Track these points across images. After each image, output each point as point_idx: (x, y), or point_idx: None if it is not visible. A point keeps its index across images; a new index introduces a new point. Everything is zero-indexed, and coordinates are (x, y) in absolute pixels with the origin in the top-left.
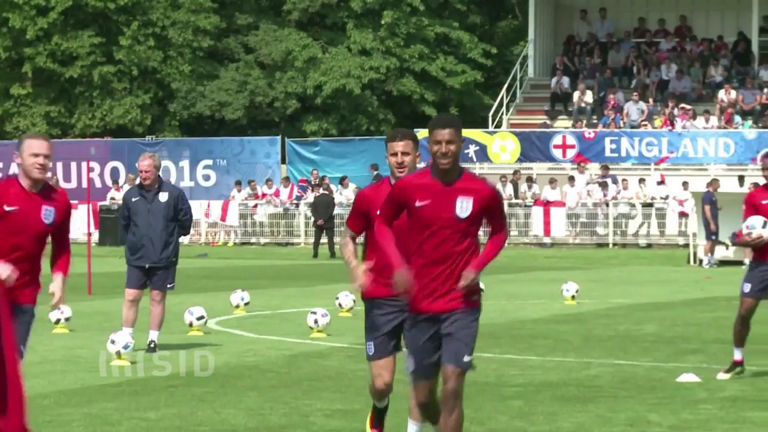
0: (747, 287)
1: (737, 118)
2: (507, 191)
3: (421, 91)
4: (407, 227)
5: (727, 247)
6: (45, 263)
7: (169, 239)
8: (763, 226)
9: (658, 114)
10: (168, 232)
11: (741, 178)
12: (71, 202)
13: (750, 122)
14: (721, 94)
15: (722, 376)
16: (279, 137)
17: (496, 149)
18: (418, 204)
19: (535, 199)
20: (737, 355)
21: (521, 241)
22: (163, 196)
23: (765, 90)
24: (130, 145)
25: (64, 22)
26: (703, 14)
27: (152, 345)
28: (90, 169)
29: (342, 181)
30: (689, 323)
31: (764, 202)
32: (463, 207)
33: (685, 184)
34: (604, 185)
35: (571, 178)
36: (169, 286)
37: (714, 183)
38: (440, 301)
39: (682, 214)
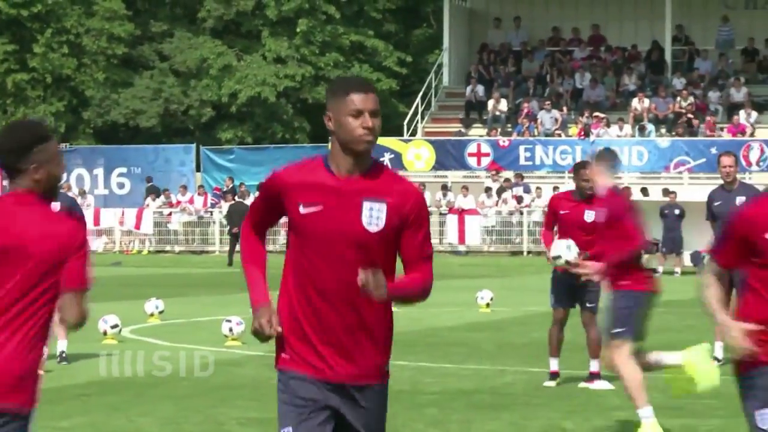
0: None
1: (650, 126)
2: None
3: None
4: (290, 241)
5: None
6: None
7: None
8: (568, 249)
9: (572, 122)
10: None
11: (644, 190)
12: None
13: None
14: (635, 102)
15: (548, 383)
16: (194, 145)
17: (411, 157)
18: (303, 210)
19: (450, 207)
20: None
21: (436, 249)
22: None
23: (678, 98)
24: None
25: None
26: (617, 23)
27: (63, 355)
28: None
29: (259, 188)
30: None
31: (563, 212)
32: (373, 215)
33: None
34: (519, 199)
35: (488, 189)
36: None
37: (626, 191)
38: (344, 365)
39: None
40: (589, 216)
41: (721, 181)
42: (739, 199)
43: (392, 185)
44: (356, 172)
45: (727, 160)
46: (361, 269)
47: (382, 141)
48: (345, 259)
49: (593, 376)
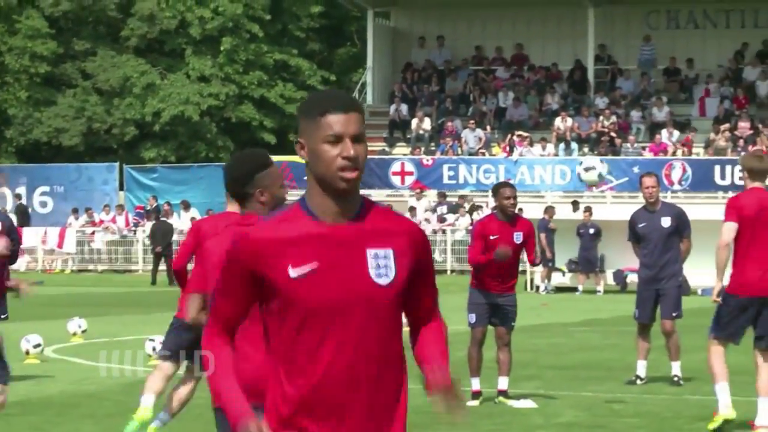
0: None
1: (573, 145)
2: None
3: (260, 117)
4: (272, 325)
5: (563, 273)
6: None
7: None
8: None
9: (495, 141)
10: None
11: (575, 203)
12: None
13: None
14: (558, 121)
15: (471, 403)
16: (117, 164)
17: None
18: (294, 273)
19: None
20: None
21: None
22: None
23: (600, 118)
24: None
25: None
26: (540, 42)
27: None
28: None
29: (185, 207)
30: (526, 349)
31: (494, 236)
32: (380, 265)
33: (520, 211)
34: (441, 219)
35: (412, 208)
36: (2, 317)
37: (550, 210)
38: None
39: None
40: (518, 237)
41: (643, 202)
42: (664, 220)
43: (392, 226)
44: (346, 216)
45: (649, 181)
46: (433, 389)
47: None
48: (355, 326)
49: (502, 394)
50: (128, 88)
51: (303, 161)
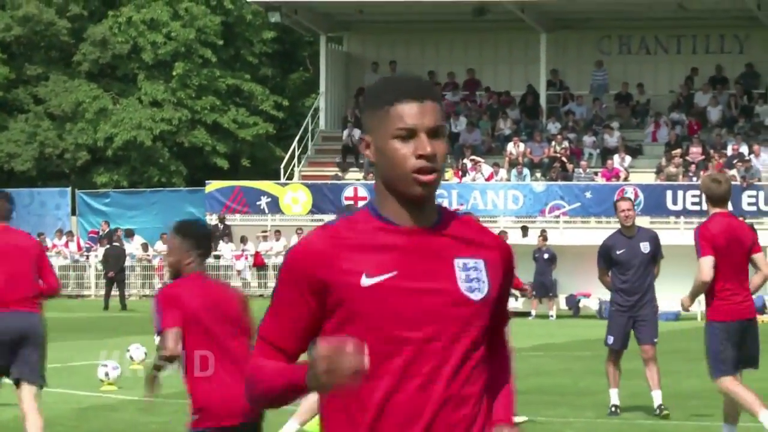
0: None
1: (525, 171)
2: None
3: (213, 142)
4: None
5: (516, 298)
6: None
7: None
8: None
9: (448, 166)
10: None
11: (524, 229)
12: None
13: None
14: (510, 146)
15: None
16: (69, 189)
17: (288, 201)
18: (367, 281)
19: None
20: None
21: None
22: None
23: (553, 143)
24: None
25: None
26: (492, 67)
27: None
28: None
29: (128, 234)
30: None
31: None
32: (472, 277)
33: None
34: None
35: None
36: None
37: (502, 235)
38: None
39: None
40: None
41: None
42: (643, 245)
43: (482, 237)
44: (424, 223)
45: (624, 205)
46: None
47: (259, 185)
48: (433, 350)
49: None
50: (80, 113)
51: (371, 162)
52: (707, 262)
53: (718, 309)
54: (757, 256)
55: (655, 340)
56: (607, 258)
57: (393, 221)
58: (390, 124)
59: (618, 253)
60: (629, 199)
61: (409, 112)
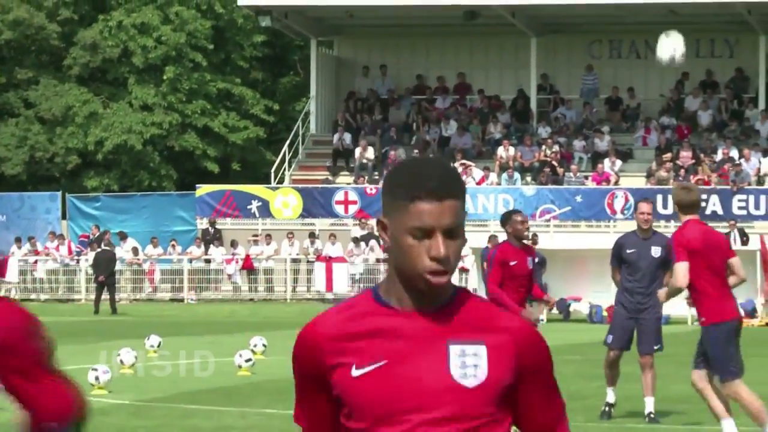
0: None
1: (516, 175)
2: (294, 249)
3: (204, 146)
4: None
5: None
6: None
7: None
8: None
9: None
10: None
11: None
12: None
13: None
14: (500, 150)
15: None
16: (59, 193)
17: (279, 205)
18: (356, 372)
19: (318, 255)
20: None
21: (304, 296)
22: None
23: (543, 147)
24: None
25: None
26: (483, 71)
27: None
28: None
29: (121, 237)
30: None
31: (513, 263)
32: (468, 363)
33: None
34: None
35: (355, 239)
36: None
37: (492, 240)
38: None
39: (463, 270)
40: (531, 264)
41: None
42: (655, 249)
43: (490, 320)
44: (428, 305)
45: (644, 207)
46: None
47: (249, 189)
48: None
49: None
50: (71, 117)
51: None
52: (682, 268)
53: (714, 311)
54: (733, 261)
55: (656, 347)
56: (618, 256)
57: (393, 305)
58: (407, 219)
59: (628, 252)
60: (651, 202)
61: (428, 211)
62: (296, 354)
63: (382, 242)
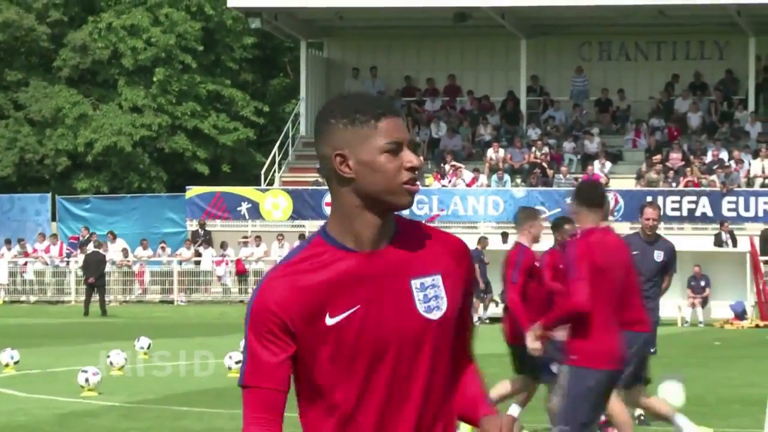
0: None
1: (506, 176)
2: (284, 251)
3: (194, 148)
4: (303, 401)
5: (496, 304)
6: None
7: None
8: None
9: (429, 172)
10: None
11: (504, 235)
12: None
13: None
14: (490, 152)
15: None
16: (49, 194)
17: (269, 207)
18: (331, 321)
19: None
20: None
21: None
22: None
23: (533, 149)
24: None
25: None
26: (473, 73)
27: None
28: None
29: (110, 237)
30: None
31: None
32: (429, 296)
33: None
34: None
35: None
36: None
37: (483, 241)
38: None
39: None
40: None
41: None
42: (657, 254)
43: (435, 244)
44: (384, 241)
45: (650, 213)
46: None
47: (239, 190)
48: (404, 374)
49: None
50: (61, 119)
51: (341, 178)
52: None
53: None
54: None
55: (651, 350)
56: None
57: (350, 246)
58: (378, 139)
59: (632, 253)
60: (658, 207)
61: (395, 127)
62: (260, 314)
63: (335, 181)
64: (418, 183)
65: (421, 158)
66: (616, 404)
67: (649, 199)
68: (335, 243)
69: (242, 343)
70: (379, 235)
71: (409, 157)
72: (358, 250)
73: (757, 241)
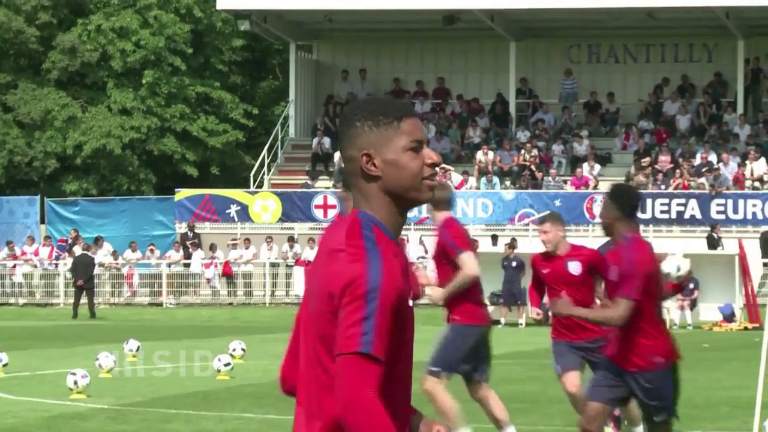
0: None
1: (495, 179)
2: (273, 253)
3: (183, 150)
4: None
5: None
6: None
7: None
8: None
9: None
10: None
11: (494, 237)
12: None
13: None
14: (480, 155)
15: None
16: (38, 197)
17: (258, 209)
18: (410, 303)
19: (297, 259)
20: None
21: (283, 300)
22: None
23: (522, 151)
24: None
25: None
26: (462, 76)
27: None
28: None
29: (96, 241)
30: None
31: (545, 271)
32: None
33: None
34: None
35: None
36: None
37: (473, 243)
38: None
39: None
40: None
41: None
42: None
43: None
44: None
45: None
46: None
47: (228, 193)
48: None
49: None
50: (50, 121)
51: (368, 176)
52: (472, 256)
53: (469, 312)
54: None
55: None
56: None
57: (393, 237)
58: (402, 138)
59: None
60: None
61: (415, 127)
62: (397, 300)
63: (363, 180)
64: (437, 178)
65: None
66: (441, 392)
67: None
68: (389, 234)
69: (365, 312)
70: (398, 231)
71: (429, 154)
72: (396, 241)
73: (756, 244)
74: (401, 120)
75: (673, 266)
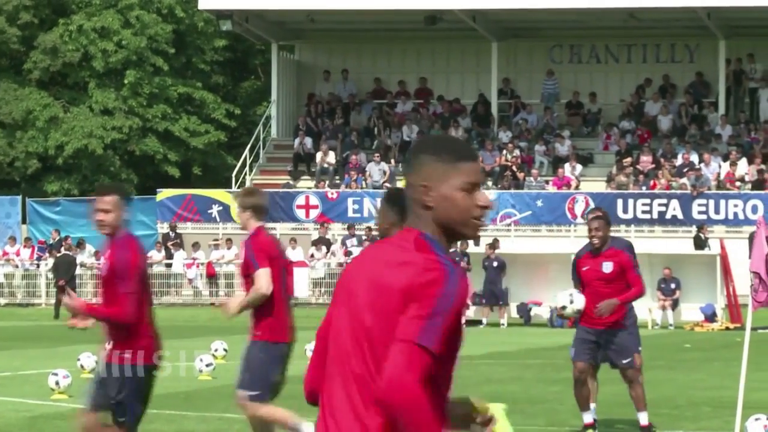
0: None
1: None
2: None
3: (164, 151)
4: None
5: (468, 306)
6: None
7: None
8: (571, 303)
9: (401, 175)
10: None
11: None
12: None
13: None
14: None
15: None
16: (20, 197)
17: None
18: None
19: None
20: (586, 418)
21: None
22: None
23: (504, 151)
24: None
25: None
26: (444, 76)
27: None
28: None
29: (79, 245)
30: None
31: (585, 269)
32: None
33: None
34: (348, 252)
35: (315, 242)
36: None
37: (461, 244)
38: None
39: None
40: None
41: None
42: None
43: None
44: None
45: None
46: None
47: (210, 193)
48: None
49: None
50: (31, 121)
51: (424, 205)
52: (267, 273)
53: (276, 328)
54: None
55: (640, 348)
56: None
57: None
58: (458, 177)
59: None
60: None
61: (474, 169)
62: (460, 309)
63: (419, 206)
64: (485, 221)
65: (493, 199)
66: (265, 407)
67: (619, 201)
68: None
69: (434, 309)
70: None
71: (483, 197)
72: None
73: (738, 244)
74: (462, 161)
75: (565, 299)
